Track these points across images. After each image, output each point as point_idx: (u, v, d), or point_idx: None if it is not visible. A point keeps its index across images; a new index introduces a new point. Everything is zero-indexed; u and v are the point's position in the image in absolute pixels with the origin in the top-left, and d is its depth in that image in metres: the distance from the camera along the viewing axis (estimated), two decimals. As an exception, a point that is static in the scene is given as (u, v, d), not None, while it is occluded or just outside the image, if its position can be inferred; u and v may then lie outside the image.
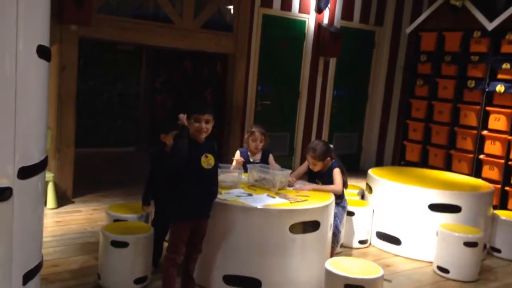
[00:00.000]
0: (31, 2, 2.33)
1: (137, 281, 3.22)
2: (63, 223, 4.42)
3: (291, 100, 7.11)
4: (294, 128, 7.21)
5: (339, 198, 3.92)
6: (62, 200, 4.93)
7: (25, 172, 2.39)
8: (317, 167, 3.94)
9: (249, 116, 6.66)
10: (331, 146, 4.09)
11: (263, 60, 6.67)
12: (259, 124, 4.32)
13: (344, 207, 4.04)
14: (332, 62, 7.36)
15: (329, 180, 3.91)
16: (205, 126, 2.93)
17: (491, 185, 4.76)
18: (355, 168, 7.90)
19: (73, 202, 5.07)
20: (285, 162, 5.93)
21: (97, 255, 3.59)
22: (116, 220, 3.58)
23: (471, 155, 6.30)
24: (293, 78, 7.07)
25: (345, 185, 3.99)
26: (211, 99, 6.97)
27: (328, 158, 3.93)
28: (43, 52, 2.47)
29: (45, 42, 2.53)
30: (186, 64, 7.60)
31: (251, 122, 6.62)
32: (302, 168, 4.14)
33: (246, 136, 4.24)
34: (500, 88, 6.02)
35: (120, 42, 6.51)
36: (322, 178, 3.97)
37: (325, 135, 7.48)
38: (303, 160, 7.22)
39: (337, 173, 3.90)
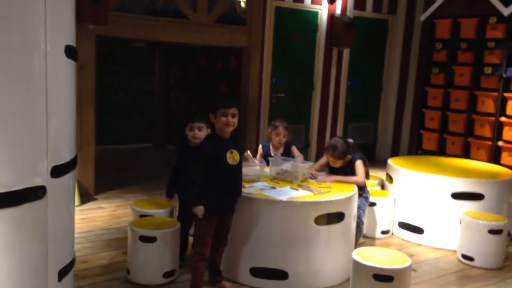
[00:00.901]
0: (58, 2, 2.35)
1: (166, 275, 3.26)
2: (88, 220, 4.47)
3: (306, 92, 7.09)
4: (309, 120, 7.20)
5: (361, 189, 3.92)
6: (85, 197, 4.99)
7: (58, 171, 2.42)
8: (338, 164, 3.94)
9: (264, 109, 6.66)
10: (351, 140, 4.07)
11: (277, 53, 6.65)
12: (281, 118, 4.29)
13: (366, 198, 4.04)
14: (346, 52, 7.31)
15: (351, 173, 3.90)
16: (232, 120, 2.94)
17: (513, 172, 4.73)
18: (371, 158, 7.86)
19: (95, 199, 5.13)
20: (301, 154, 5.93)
21: (124, 250, 3.65)
22: (142, 216, 3.62)
23: (490, 142, 6.26)
24: (307, 70, 7.04)
25: (367, 176, 3.99)
26: (226, 94, 6.98)
27: (348, 156, 3.91)
28: (70, 52, 2.50)
29: (72, 42, 2.55)
30: (200, 59, 7.61)
31: (266, 115, 6.63)
32: (323, 161, 4.15)
33: (269, 130, 4.23)
34: (517, 73, 5.96)
35: (135, 39, 6.54)
36: (344, 171, 3.97)
37: (340, 126, 7.46)
38: (318, 151, 7.26)
39: (359, 164, 3.89)
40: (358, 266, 2.98)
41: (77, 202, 4.84)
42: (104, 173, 5.66)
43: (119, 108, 8.16)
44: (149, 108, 8.52)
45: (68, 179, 2.58)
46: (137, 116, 8.40)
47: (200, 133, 3.48)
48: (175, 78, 8.35)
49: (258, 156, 4.22)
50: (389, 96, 7.97)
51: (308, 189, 3.55)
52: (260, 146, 4.31)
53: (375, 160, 7.83)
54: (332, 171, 4.02)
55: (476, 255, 3.89)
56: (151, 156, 7.91)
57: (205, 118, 3.27)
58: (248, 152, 3.94)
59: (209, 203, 2.96)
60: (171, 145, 8.32)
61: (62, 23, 2.42)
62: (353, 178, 3.84)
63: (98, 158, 5.32)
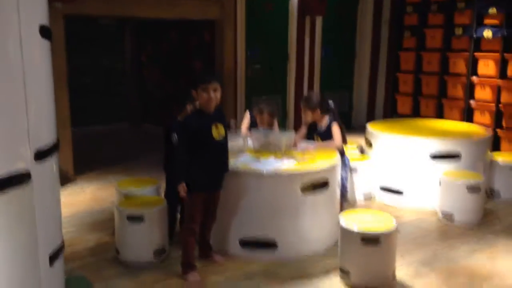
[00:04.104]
0: (28, -19, 2.26)
1: (156, 253, 3.26)
2: (70, 203, 4.40)
3: (281, 63, 7.06)
4: (285, 91, 7.18)
5: (340, 154, 3.97)
6: (64, 180, 4.89)
7: (41, 154, 2.37)
8: (308, 117, 4.03)
9: (240, 82, 6.60)
10: (331, 102, 4.13)
11: (250, 24, 6.57)
12: (270, 103, 4.17)
13: (346, 165, 4.10)
14: (318, 20, 7.27)
15: (328, 136, 3.97)
16: (214, 95, 2.91)
17: (488, 130, 4.86)
18: (347, 125, 7.92)
19: (75, 182, 5.05)
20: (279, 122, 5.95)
21: (110, 231, 3.63)
22: (127, 196, 3.58)
23: (462, 102, 6.39)
24: (281, 40, 6.99)
25: (344, 140, 4.05)
26: (200, 69, 6.89)
27: (318, 110, 3.99)
28: (45, 32, 2.42)
29: (46, 22, 2.47)
30: (172, 34, 7.46)
31: (242, 88, 6.58)
32: (302, 131, 4.18)
33: (254, 111, 4.17)
34: (487, 33, 6.05)
35: (105, 16, 6.34)
36: (321, 134, 4.04)
37: (316, 95, 7.48)
38: (296, 121, 7.27)
39: (335, 128, 3.96)
40: (345, 231, 3.03)
41: (57, 186, 4.76)
42: (82, 155, 5.56)
43: (91, 88, 7.96)
44: (122, 87, 8.35)
45: (51, 163, 2.53)
46: (110, 96, 8.22)
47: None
48: (147, 55, 8.18)
49: (244, 125, 4.20)
50: (363, 62, 8.01)
51: (292, 158, 3.57)
52: (248, 114, 4.27)
53: (352, 127, 7.91)
54: (311, 134, 4.07)
55: (455, 213, 4.02)
56: (127, 135, 7.81)
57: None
58: (233, 121, 3.93)
59: (196, 178, 2.95)
60: (147, 124, 8.22)
61: (35, 2, 2.34)
62: (332, 144, 3.91)
63: (74, 140, 5.22)
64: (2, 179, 2.15)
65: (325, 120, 4.04)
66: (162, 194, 3.71)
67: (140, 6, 5.41)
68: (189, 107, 3.40)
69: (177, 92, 7.10)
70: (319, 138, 4.07)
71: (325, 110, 4.03)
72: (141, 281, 3.04)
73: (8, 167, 2.17)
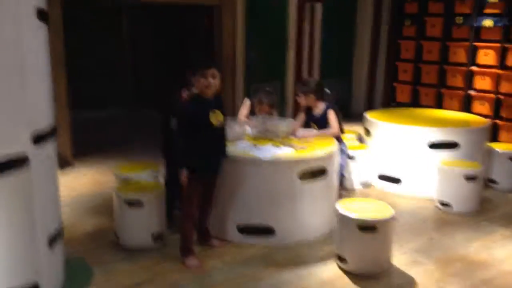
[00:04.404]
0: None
1: (155, 237, 3.27)
2: (70, 187, 4.41)
3: (280, 49, 7.01)
4: (284, 77, 7.16)
5: (337, 140, 3.98)
6: (62, 164, 4.89)
7: (39, 138, 2.37)
8: (302, 101, 4.06)
9: (240, 67, 6.57)
10: (327, 91, 4.14)
11: (250, 9, 6.51)
12: (270, 93, 4.10)
13: (343, 151, 4.10)
14: (318, 7, 7.22)
15: (324, 123, 3.99)
16: (212, 81, 2.90)
17: (487, 120, 4.86)
18: (346, 113, 7.93)
19: (74, 166, 5.05)
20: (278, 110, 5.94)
21: (110, 216, 3.63)
22: (125, 180, 3.59)
23: (462, 92, 6.37)
24: (281, 26, 6.94)
25: (341, 129, 4.05)
26: (199, 54, 6.86)
27: (312, 95, 4.00)
28: (42, 15, 2.40)
29: (42, 5, 2.45)
30: (170, 19, 7.40)
31: (241, 74, 6.55)
32: (301, 118, 4.17)
33: (255, 100, 4.11)
34: (488, 22, 6.02)
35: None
36: (317, 122, 4.05)
37: (315, 82, 7.45)
38: (295, 107, 7.26)
39: (331, 115, 3.98)
40: (342, 218, 3.04)
41: (55, 170, 4.76)
42: (80, 139, 5.55)
43: (87, 72, 7.90)
44: (118, 71, 8.29)
45: (49, 146, 2.53)
46: (107, 80, 8.17)
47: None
48: (144, 39, 8.12)
49: (242, 112, 4.20)
50: (362, 49, 7.97)
51: (290, 146, 3.57)
52: (247, 102, 4.26)
53: (351, 115, 7.90)
54: (307, 122, 4.08)
55: (453, 202, 4.03)
56: (124, 120, 7.79)
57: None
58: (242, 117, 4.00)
59: (195, 163, 2.95)
60: (144, 108, 8.19)
61: (32, -16, 2.31)
62: (329, 131, 3.92)
63: (72, 124, 5.20)
64: (0, 162, 2.15)
65: (321, 107, 4.05)
66: (162, 179, 3.71)
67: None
68: (184, 93, 3.39)
69: (174, 78, 7.07)
70: (315, 126, 4.08)
71: (319, 96, 4.03)
72: (140, 265, 3.05)
73: (6, 151, 2.17)
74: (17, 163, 2.22)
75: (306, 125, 4.10)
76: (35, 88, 2.36)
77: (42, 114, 2.46)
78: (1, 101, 2.14)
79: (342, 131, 4.06)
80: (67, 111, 5.05)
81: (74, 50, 7.44)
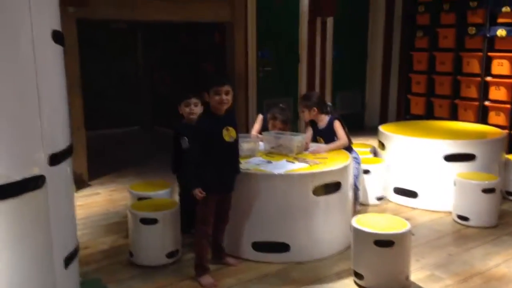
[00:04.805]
0: (40, -14, 2.28)
1: (169, 255, 3.27)
2: (85, 206, 4.45)
3: (292, 64, 7.05)
4: (297, 92, 7.17)
5: (348, 150, 3.96)
6: (79, 183, 4.94)
7: (55, 159, 2.39)
8: (305, 115, 4.08)
9: (252, 84, 6.60)
10: (329, 104, 4.22)
11: (261, 26, 6.57)
12: (284, 111, 4.13)
13: (356, 159, 4.08)
14: (330, 21, 7.25)
15: (331, 135, 3.99)
16: (226, 98, 2.92)
17: (503, 131, 4.80)
18: (360, 126, 7.92)
19: (89, 185, 5.10)
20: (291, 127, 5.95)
21: (124, 234, 3.66)
22: (140, 198, 3.61)
23: (477, 103, 6.31)
24: (292, 42, 6.98)
25: (349, 139, 4.04)
26: (211, 71, 6.91)
27: (315, 109, 4.01)
28: (57, 37, 2.44)
29: (58, 27, 2.49)
30: (183, 37, 7.50)
31: (254, 90, 6.58)
32: (309, 133, 4.17)
33: (268, 115, 4.15)
34: (501, 32, 5.98)
35: (116, 20, 6.39)
36: (323, 135, 4.05)
37: (328, 95, 7.45)
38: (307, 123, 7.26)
39: (338, 126, 3.99)
40: (358, 233, 3.02)
41: (71, 189, 4.81)
42: (96, 159, 5.61)
43: (103, 92, 8.02)
44: (134, 90, 8.40)
45: (66, 166, 2.55)
46: (122, 99, 8.28)
47: (196, 108, 3.50)
48: (158, 58, 8.23)
49: (255, 128, 4.22)
50: (375, 62, 7.97)
51: (304, 161, 3.56)
52: (261, 117, 4.27)
53: (364, 128, 7.88)
54: (314, 135, 4.09)
55: (471, 215, 3.97)
56: (140, 139, 7.87)
57: (198, 94, 3.26)
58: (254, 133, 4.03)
59: (208, 181, 2.96)
60: (159, 127, 8.27)
61: (46, 7, 2.36)
62: (338, 143, 3.94)
63: (87, 144, 5.26)
64: (17, 183, 2.17)
65: (325, 119, 4.07)
66: (177, 196, 3.73)
67: (151, 10, 5.45)
68: (181, 110, 3.54)
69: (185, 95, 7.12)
70: (321, 139, 4.08)
71: (322, 109, 4.04)
72: (155, 283, 3.05)
73: (23, 172, 2.20)
74: (33, 184, 2.24)
75: (313, 140, 4.09)
76: (52, 109, 2.39)
77: (59, 135, 2.48)
78: (18, 124, 2.17)
79: (350, 140, 4.05)
80: (83, 132, 5.12)
81: (90, 71, 7.59)
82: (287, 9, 6.81)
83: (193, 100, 3.51)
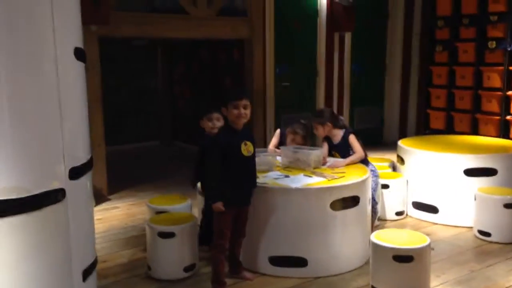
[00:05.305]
0: (64, 5, 2.36)
1: (187, 269, 3.28)
2: (104, 220, 4.51)
3: (310, 79, 7.08)
4: (314, 107, 7.18)
5: (364, 163, 3.94)
6: (99, 198, 5.02)
7: (75, 173, 2.45)
8: (319, 132, 4.07)
9: (270, 100, 6.64)
10: (342, 117, 4.23)
11: (279, 42, 6.63)
12: (305, 127, 4.18)
13: (373, 171, 4.05)
14: (348, 36, 7.28)
15: (346, 149, 3.98)
16: (244, 112, 2.95)
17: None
18: (379, 141, 7.87)
19: (109, 199, 5.17)
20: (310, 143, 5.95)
21: (142, 247, 3.69)
22: (158, 212, 3.65)
23: (498, 117, 6.24)
24: (310, 57, 7.02)
25: (364, 152, 4.02)
26: (230, 86, 6.98)
27: (329, 124, 4.01)
28: (79, 54, 2.51)
29: (80, 44, 2.57)
30: (202, 53, 7.61)
31: (272, 106, 6.62)
32: (326, 148, 4.17)
33: (288, 129, 4.18)
34: (522, 46, 5.93)
35: (137, 37, 6.52)
36: (339, 149, 4.05)
37: (346, 112, 7.45)
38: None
39: (353, 139, 3.98)
40: (377, 248, 2.99)
41: (91, 203, 4.88)
42: (115, 174, 5.69)
43: (124, 108, 8.16)
44: (154, 106, 8.52)
45: (85, 180, 2.61)
46: (143, 115, 8.40)
47: (218, 123, 3.48)
48: (178, 74, 8.35)
49: (273, 142, 4.24)
50: (394, 77, 7.95)
51: (322, 175, 3.56)
52: (278, 132, 4.31)
53: (383, 143, 7.83)
54: (330, 153, 4.09)
55: (492, 230, 3.90)
56: (159, 154, 7.95)
57: (220, 110, 3.28)
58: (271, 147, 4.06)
59: (225, 195, 2.98)
60: (179, 141, 8.35)
61: (69, 25, 2.44)
62: (355, 156, 3.92)
63: (108, 158, 5.35)
64: (38, 196, 2.23)
65: (339, 134, 4.06)
66: (196, 210, 3.76)
67: (171, 28, 5.56)
68: (204, 124, 3.55)
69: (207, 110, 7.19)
70: (337, 154, 4.07)
71: (336, 124, 4.04)
72: (172, 297, 3.07)
73: (44, 186, 2.25)
74: (54, 197, 2.29)
75: (329, 154, 4.09)
76: (73, 125, 2.45)
77: (80, 150, 2.54)
78: (40, 139, 2.23)
79: (365, 153, 4.03)
80: (103, 147, 5.21)
81: (111, 86, 7.74)
82: (305, 25, 6.87)
83: (215, 115, 3.51)
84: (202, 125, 3.62)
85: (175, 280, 3.24)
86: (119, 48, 7.89)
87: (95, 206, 4.88)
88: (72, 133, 2.44)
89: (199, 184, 3.70)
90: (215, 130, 3.45)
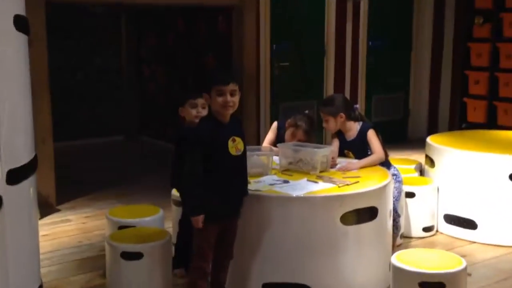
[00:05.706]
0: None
1: (158, 299, 3.30)
2: (52, 236, 4.50)
3: (316, 59, 7.10)
4: (321, 94, 7.21)
5: (385, 166, 3.97)
6: (45, 208, 5.00)
7: (15, 176, 2.44)
8: (330, 125, 4.08)
9: (264, 84, 6.65)
10: (357, 106, 4.25)
11: (277, 11, 6.64)
12: (309, 118, 4.20)
13: (396, 175, 4.07)
14: (364, 3, 7.31)
15: (362, 148, 4.00)
16: (231, 100, 2.94)
17: None
18: (402, 137, 7.92)
19: (58, 210, 5.16)
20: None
21: (100, 271, 3.69)
22: (121, 227, 3.64)
23: (553, 108, 6.31)
24: (316, 30, 7.04)
25: (385, 152, 4.05)
26: (214, 66, 6.99)
27: (342, 115, 4.01)
28: (21, 23, 2.50)
29: (22, 11, 2.56)
30: (179, 24, 7.60)
31: (267, 93, 6.63)
32: (336, 146, 4.18)
33: (288, 121, 4.21)
34: None
35: (96, 3, 6.49)
36: (353, 147, 4.07)
37: (361, 99, 7.48)
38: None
39: (372, 136, 3.99)
40: (399, 273, 3.02)
41: (35, 215, 4.87)
42: (66, 177, 5.68)
43: (79, 93, 8.13)
44: (117, 91, 8.50)
45: (28, 186, 2.60)
46: (102, 103, 8.38)
47: (204, 111, 3.47)
48: (148, 50, 8.34)
49: (268, 138, 4.26)
50: (422, 56, 7.99)
51: (330, 180, 3.57)
52: (275, 125, 4.33)
53: (408, 139, 7.88)
54: (340, 149, 4.11)
55: (545, 251, 3.95)
56: (123, 151, 7.93)
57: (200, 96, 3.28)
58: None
59: (208, 205, 2.97)
60: (147, 136, 8.34)
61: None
62: (374, 157, 3.94)
63: (56, 158, 5.33)
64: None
65: (354, 128, 4.07)
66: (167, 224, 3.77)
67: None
68: (183, 113, 3.56)
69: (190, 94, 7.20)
70: (350, 153, 4.08)
71: (351, 115, 4.04)
72: (139, 335, 3.07)
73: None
74: (-13, 206, 2.29)
75: (340, 153, 4.11)
76: (12, 115, 2.44)
77: (20, 148, 2.54)
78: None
79: (386, 154, 4.06)
80: (50, 143, 5.18)
81: (60, 67, 7.71)
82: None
83: (200, 100, 3.49)
84: (183, 113, 3.58)
85: (142, 312, 3.25)
86: (72, 16, 7.86)
87: (40, 218, 4.86)
88: (10, 125, 2.42)
89: (173, 191, 3.72)
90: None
